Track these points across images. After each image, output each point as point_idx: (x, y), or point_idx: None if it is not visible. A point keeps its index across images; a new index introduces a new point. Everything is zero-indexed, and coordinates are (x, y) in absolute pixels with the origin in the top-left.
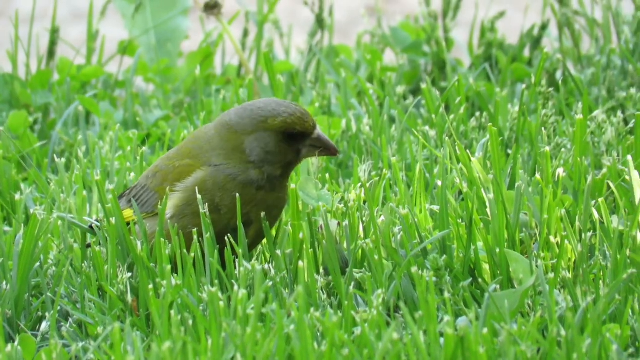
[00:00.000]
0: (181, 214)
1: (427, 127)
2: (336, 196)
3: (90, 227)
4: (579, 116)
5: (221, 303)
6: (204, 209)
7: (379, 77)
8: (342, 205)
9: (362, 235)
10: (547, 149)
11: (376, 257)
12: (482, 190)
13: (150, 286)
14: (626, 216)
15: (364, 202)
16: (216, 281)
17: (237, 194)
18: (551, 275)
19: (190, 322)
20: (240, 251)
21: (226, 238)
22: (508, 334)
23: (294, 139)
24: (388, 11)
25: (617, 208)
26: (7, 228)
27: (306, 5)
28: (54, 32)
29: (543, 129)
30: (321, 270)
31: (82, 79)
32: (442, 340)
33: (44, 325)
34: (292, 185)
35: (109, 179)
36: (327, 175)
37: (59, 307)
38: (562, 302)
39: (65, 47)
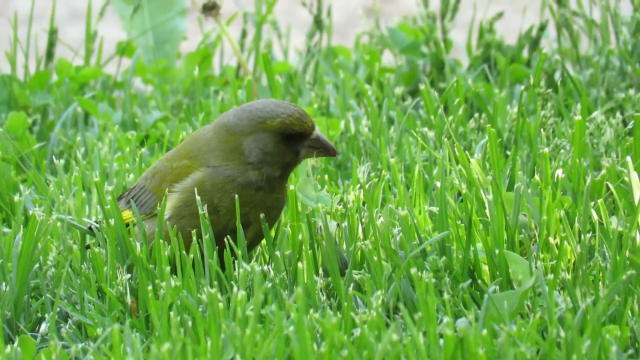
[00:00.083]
0: (179, 214)
1: (425, 128)
2: (335, 197)
3: (90, 228)
4: (578, 117)
5: (220, 304)
6: (202, 210)
7: (377, 78)
8: (341, 206)
9: (362, 237)
10: (546, 150)
11: (375, 258)
12: (481, 191)
13: (150, 287)
14: (625, 217)
15: (363, 204)
16: (215, 282)
17: (236, 195)
18: (550, 276)
19: (190, 323)
20: (239, 252)
21: (225, 239)
22: (507, 335)
23: (292, 140)
24: (386, 12)
25: (616, 209)
26: (6, 229)
27: (304, 6)
28: (53, 33)
29: (542, 130)
30: (320, 272)
31: (80, 80)
32: (441, 341)
33: (43, 327)
34: (292, 187)
35: (108, 180)
36: (326, 177)
37: (58, 309)
38: (561, 303)
39: (63, 48)
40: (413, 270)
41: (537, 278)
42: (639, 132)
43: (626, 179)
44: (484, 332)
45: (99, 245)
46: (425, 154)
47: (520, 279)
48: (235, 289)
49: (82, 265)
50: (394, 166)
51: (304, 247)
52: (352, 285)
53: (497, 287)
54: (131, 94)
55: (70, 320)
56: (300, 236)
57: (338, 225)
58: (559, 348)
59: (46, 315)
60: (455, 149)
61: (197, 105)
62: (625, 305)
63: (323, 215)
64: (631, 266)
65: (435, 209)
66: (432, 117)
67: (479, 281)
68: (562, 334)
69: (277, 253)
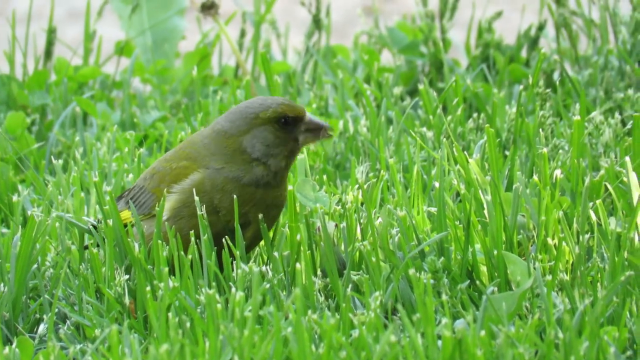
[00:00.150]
0: (178, 215)
1: (424, 129)
2: (333, 198)
3: (94, 226)
4: (577, 117)
5: (218, 305)
6: (201, 210)
7: (376, 78)
8: (340, 207)
9: (360, 237)
10: (545, 150)
11: (374, 259)
12: (480, 191)
13: (148, 288)
14: (624, 218)
15: (362, 204)
16: (213, 283)
17: (235, 196)
18: (549, 277)
19: (188, 324)
20: (237, 253)
21: (223, 240)
22: (506, 337)
23: (289, 126)
24: (385, 11)
25: (614, 210)
26: (4, 230)
27: (303, 6)
28: (51, 33)
29: (540, 130)
30: (318, 273)
31: (79, 79)
32: (439, 342)
33: (41, 328)
34: (290, 187)
35: (107, 181)
36: (325, 177)
37: (56, 309)
38: (559, 305)
39: (62, 47)
40: (411, 271)
41: (535, 279)
42: (638, 132)
43: (625, 179)
44: (482, 333)
45: (97, 246)
46: (423, 154)
47: (518, 279)
48: (233, 289)
49: (81, 266)
50: (393, 166)
51: (302, 247)
52: (350, 286)
53: (496, 288)
54: (130, 93)
55: (68, 321)
56: (298, 237)
57: (336, 225)
58: (557, 349)
59: (44, 316)
60: (454, 149)
61: (195, 105)
62: (623, 306)
63: (321, 215)
64: (629, 267)
65: (433, 209)
66: (430, 117)
67: (477, 282)
68: (560, 335)
69: (275, 254)
